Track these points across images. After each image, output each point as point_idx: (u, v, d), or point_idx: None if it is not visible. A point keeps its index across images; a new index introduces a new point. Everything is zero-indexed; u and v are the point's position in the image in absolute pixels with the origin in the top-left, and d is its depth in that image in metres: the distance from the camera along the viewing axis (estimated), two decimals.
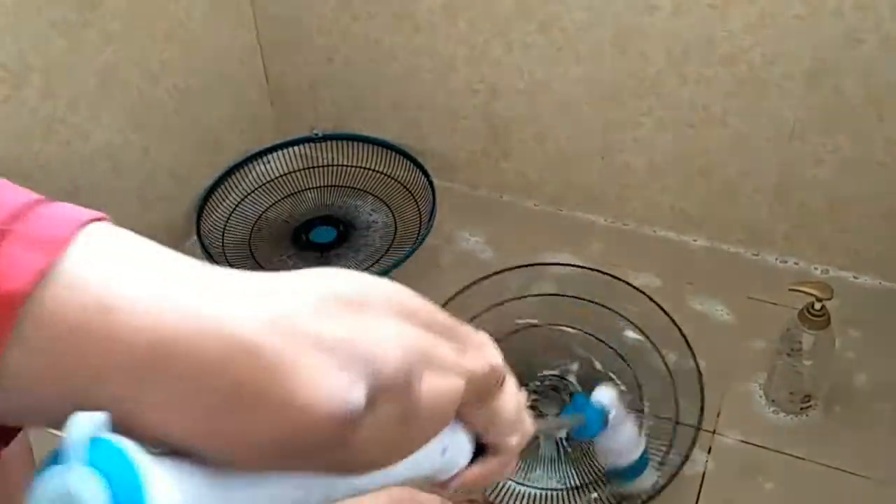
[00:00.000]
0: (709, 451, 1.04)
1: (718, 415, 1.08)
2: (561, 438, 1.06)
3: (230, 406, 0.29)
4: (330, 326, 0.31)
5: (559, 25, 1.17)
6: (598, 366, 1.12)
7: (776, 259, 1.26)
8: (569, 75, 1.22)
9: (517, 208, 1.38)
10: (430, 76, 1.31)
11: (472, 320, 1.16)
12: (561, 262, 1.19)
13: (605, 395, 0.71)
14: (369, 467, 0.35)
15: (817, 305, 0.98)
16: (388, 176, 1.42)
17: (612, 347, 1.14)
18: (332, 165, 1.45)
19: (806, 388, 1.04)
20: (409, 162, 1.39)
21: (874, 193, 1.14)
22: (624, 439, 0.73)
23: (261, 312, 0.30)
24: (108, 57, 1.14)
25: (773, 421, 1.07)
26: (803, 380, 1.03)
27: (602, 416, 0.70)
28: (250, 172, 1.43)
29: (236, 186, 1.41)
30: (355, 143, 1.44)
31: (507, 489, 1.02)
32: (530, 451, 1.05)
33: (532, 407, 1.09)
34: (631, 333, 1.14)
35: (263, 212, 1.39)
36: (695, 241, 1.30)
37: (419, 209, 1.35)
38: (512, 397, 0.43)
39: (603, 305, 1.16)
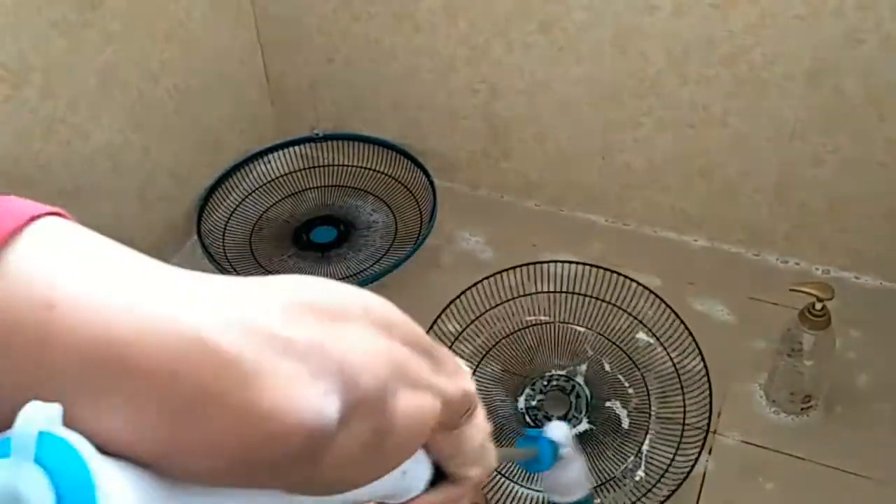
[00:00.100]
0: (709, 452, 1.04)
1: (719, 415, 1.08)
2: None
3: (188, 411, 0.27)
4: (301, 332, 0.29)
5: (559, 25, 1.17)
6: (608, 367, 1.12)
7: (777, 259, 1.26)
8: (569, 75, 1.22)
9: (517, 208, 1.38)
10: (431, 76, 1.31)
11: (480, 316, 1.16)
12: (564, 260, 1.19)
13: (558, 431, 0.72)
14: (337, 488, 0.33)
15: (818, 306, 0.97)
16: (389, 176, 1.42)
17: (622, 349, 1.13)
18: (333, 165, 1.45)
19: (806, 389, 1.04)
20: (409, 162, 1.39)
21: (875, 193, 1.14)
22: (572, 476, 0.74)
23: (223, 313, 0.28)
24: (108, 57, 1.13)
25: (773, 421, 1.07)
26: (804, 380, 1.03)
27: (554, 451, 0.71)
28: (251, 172, 1.43)
29: (237, 186, 1.41)
30: (356, 143, 1.44)
31: (510, 492, 1.02)
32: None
33: (537, 408, 1.09)
34: (643, 336, 1.13)
35: (264, 212, 1.39)
36: (695, 241, 1.30)
37: (420, 209, 1.35)
38: (480, 429, 0.41)
39: (617, 306, 1.15)
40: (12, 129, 1.04)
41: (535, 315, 1.17)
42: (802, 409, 1.06)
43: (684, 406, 1.04)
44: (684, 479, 0.97)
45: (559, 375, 1.12)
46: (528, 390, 1.11)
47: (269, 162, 1.44)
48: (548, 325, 1.17)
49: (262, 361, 0.27)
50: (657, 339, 1.13)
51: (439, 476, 0.43)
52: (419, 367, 0.34)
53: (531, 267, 1.18)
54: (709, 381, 1.04)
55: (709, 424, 1.01)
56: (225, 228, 1.36)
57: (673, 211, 1.29)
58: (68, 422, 0.25)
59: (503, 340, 1.15)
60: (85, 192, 1.15)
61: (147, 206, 1.27)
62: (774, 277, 1.23)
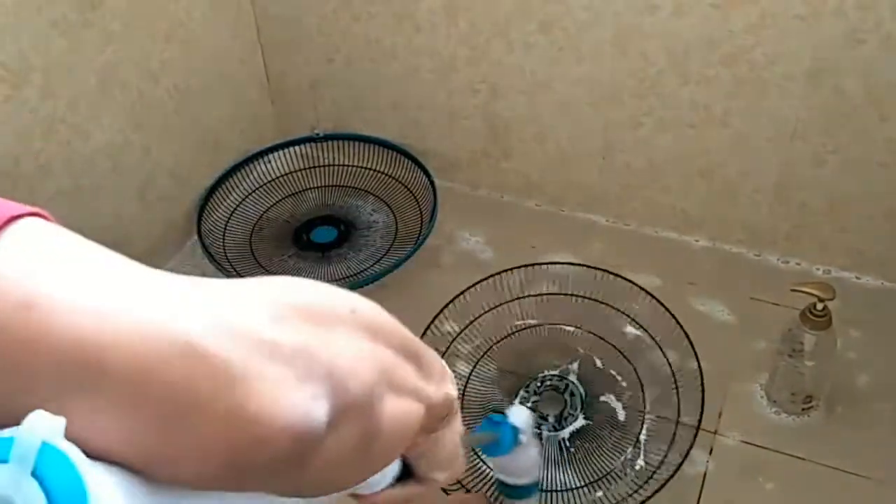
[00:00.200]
0: (710, 452, 1.04)
1: (720, 415, 1.08)
2: (564, 439, 1.06)
3: (174, 416, 0.26)
4: (288, 337, 0.28)
5: (560, 25, 1.17)
6: (599, 363, 1.13)
7: (778, 259, 1.26)
8: (570, 75, 1.21)
9: (518, 208, 1.38)
10: (431, 76, 1.31)
11: (471, 324, 1.16)
12: (562, 262, 1.19)
13: (519, 415, 0.73)
14: (323, 491, 0.33)
15: (819, 306, 0.97)
16: (389, 176, 1.42)
17: (612, 344, 1.14)
18: (333, 165, 1.45)
19: (807, 389, 1.04)
20: (410, 162, 1.39)
21: (876, 193, 1.14)
22: (527, 461, 0.75)
23: (208, 315, 0.27)
24: (108, 57, 1.13)
25: (774, 421, 1.07)
26: (805, 380, 1.03)
27: (515, 435, 0.72)
28: (251, 172, 1.43)
29: (237, 186, 1.41)
30: (356, 143, 1.44)
31: None
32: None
33: (532, 409, 1.09)
34: (631, 329, 1.14)
35: (264, 212, 1.39)
36: (696, 241, 1.30)
37: (420, 209, 1.35)
38: (455, 434, 0.40)
39: (602, 302, 1.16)
40: (12, 129, 1.04)
41: (523, 319, 1.18)
42: (803, 409, 1.06)
43: (678, 404, 1.04)
44: (681, 463, 0.97)
45: (552, 375, 1.12)
46: (522, 392, 1.11)
47: (270, 162, 1.44)
48: (537, 328, 1.17)
49: (249, 365, 0.27)
50: (644, 330, 1.13)
51: (406, 471, 0.43)
52: (405, 371, 0.34)
53: (525, 269, 1.18)
54: (701, 379, 1.04)
55: (700, 418, 1.01)
56: (225, 228, 1.36)
57: (673, 211, 1.29)
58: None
59: (495, 346, 1.15)
60: (85, 192, 1.15)
61: (147, 205, 1.27)
62: (775, 277, 1.22)
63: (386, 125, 1.41)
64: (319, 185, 1.43)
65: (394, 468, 0.42)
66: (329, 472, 0.31)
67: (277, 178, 1.44)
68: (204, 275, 0.44)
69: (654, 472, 1.00)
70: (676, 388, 1.07)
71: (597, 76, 1.20)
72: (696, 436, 1.00)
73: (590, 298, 1.17)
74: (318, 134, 1.46)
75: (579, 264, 1.19)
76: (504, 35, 1.22)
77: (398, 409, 0.33)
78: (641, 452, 1.04)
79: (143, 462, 0.27)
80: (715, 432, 1.06)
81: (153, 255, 1.27)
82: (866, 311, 1.17)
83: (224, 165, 1.39)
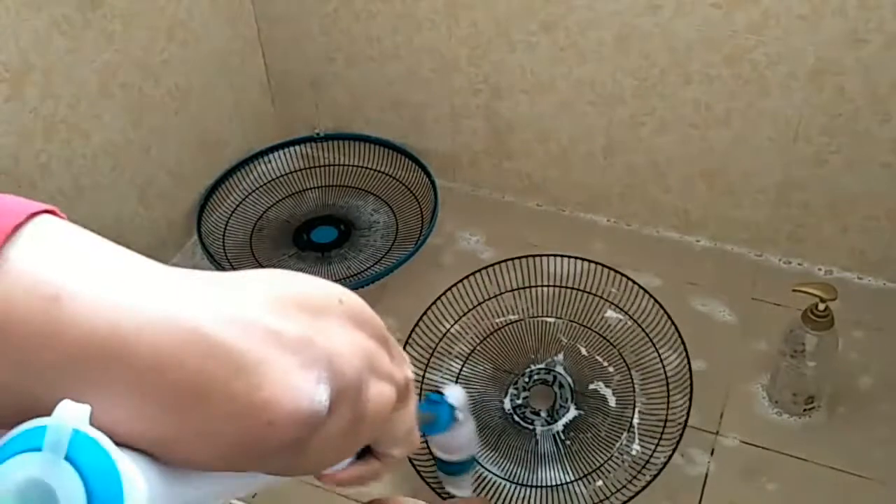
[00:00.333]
0: (711, 453, 1.04)
1: (721, 416, 1.07)
2: (558, 432, 1.06)
3: (189, 401, 0.28)
4: (291, 325, 0.30)
5: (562, 25, 1.17)
6: (584, 351, 1.13)
7: (779, 260, 1.25)
8: (571, 75, 1.21)
9: (519, 208, 1.38)
10: (433, 76, 1.31)
11: (451, 327, 1.17)
12: (562, 254, 1.19)
13: (455, 394, 0.75)
14: (311, 471, 0.35)
15: (821, 306, 0.97)
16: (390, 176, 1.42)
17: (594, 330, 1.14)
18: (334, 165, 1.45)
19: (809, 390, 1.04)
20: (410, 162, 1.38)
21: (878, 194, 1.14)
22: (464, 436, 0.78)
23: (218, 307, 0.29)
24: (109, 56, 1.13)
25: (775, 422, 1.07)
26: (806, 381, 1.03)
27: (452, 413, 0.74)
28: (251, 172, 1.43)
29: (237, 186, 1.41)
30: (357, 143, 1.44)
31: (511, 492, 1.02)
32: (530, 451, 1.05)
33: (524, 405, 1.09)
34: (612, 313, 1.14)
35: (264, 211, 1.39)
36: (697, 241, 1.29)
37: (421, 209, 1.34)
38: (411, 413, 0.42)
39: (579, 289, 1.16)
40: (13, 129, 1.03)
41: (504, 315, 1.18)
42: (805, 409, 1.06)
43: (668, 399, 1.04)
44: (660, 469, 0.97)
45: (539, 369, 1.12)
46: (511, 390, 1.11)
47: (270, 161, 1.44)
48: (518, 323, 1.17)
49: (258, 354, 0.29)
50: (625, 313, 1.14)
51: (364, 448, 0.44)
52: (382, 357, 0.36)
53: (513, 262, 1.18)
54: (690, 374, 1.04)
55: (687, 416, 1.01)
56: (225, 228, 1.36)
57: (675, 211, 1.29)
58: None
59: (479, 346, 1.16)
60: (85, 192, 1.15)
61: (147, 205, 1.27)
62: (777, 278, 1.22)
63: (387, 125, 1.41)
64: (320, 184, 1.43)
65: None
66: (321, 454, 0.33)
67: (278, 177, 1.43)
68: None
69: (651, 456, 1.01)
70: (667, 385, 1.07)
71: (598, 76, 1.20)
72: (682, 433, 1.00)
73: (564, 286, 1.17)
74: (318, 134, 1.46)
75: (580, 258, 1.19)
76: (505, 35, 1.21)
77: (379, 393, 0.35)
78: (636, 437, 1.05)
79: (155, 445, 0.28)
80: (717, 433, 1.06)
81: (153, 254, 1.26)
82: (868, 311, 1.16)
83: (224, 165, 1.39)
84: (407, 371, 0.40)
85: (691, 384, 1.04)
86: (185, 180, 1.33)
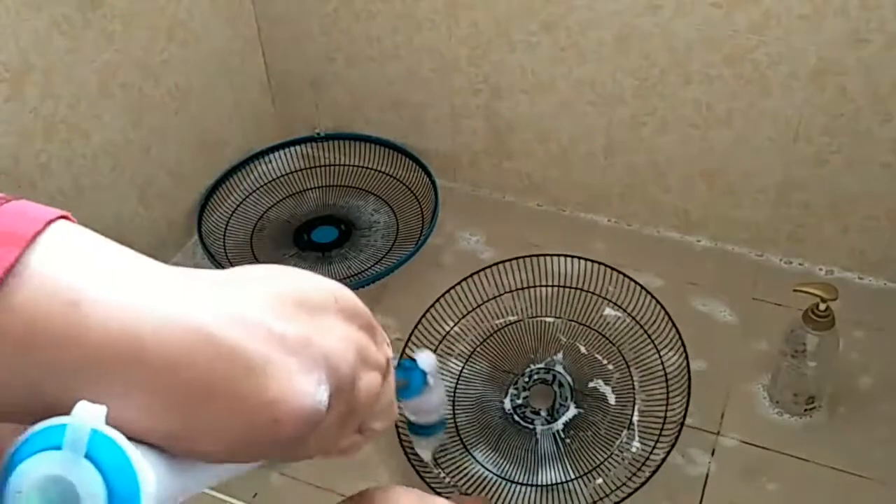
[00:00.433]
0: (712, 453, 1.04)
1: (722, 416, 1.07)
2: (558, 431, 1.06)
3: (198, 399, 0.30)
4: (293, 328, 0.32)
5: (562, 25, 1.17)
6: (583, 350, 1.13)
7: (780, 260, 1.25)
8: (572, 75, 1.21)
9: (519, 208, 1.38)
10: (433, 76, 1.31)
11: (451, 328, 1.17)
12: (559, 253, 1.19)
13: (426, 359, 0.77)
14: (310, 457, 0.37)
15: (822, 306, 0.97)
16: (390, 176, 1.41)
17: (593, 328, 1.14)
18: (334, 165, 1.45)
19: (810, 390, 1.04)
20: (411, 162, 1.38)
21: (878, 194, 1.14)
22: (435, 401, 0.80)
23: (225, 310, 0.31)
24: (109, 56, 1.13)
25: (776, 422, 1.07)
26: (807, 381, 1.03)
27: (424, 378, 0.76)
28: (252, 172, 1.43)
29: (238, 186, 1.41)
30: (357, 143, 1.44)
31: (511, 492, 1.02)
32: (530, 450, 1.05)
33: (524, 405, 1.09)
34: (610, 311, 1.14)
35: (265, 212, 1.39)
36: (698, 241, 1.29)
37: (421, 209, 1.34)
38: (390, 388, 0.45)
39: (578, 288, 1.16)
40: (13, 129, 1.03)
41: (504, 316, 1.18)
42: (806, 410, 1.06)
43: (667, 398, 1.04)
44: (675, 440, 0.97)
45: (539, 369, 1.12)
46: (511, 390, 1.11)
47: (270, 161, 1.44)
48: (518, 323, 1.17)
49: (265, 355, 0.31)
50: (624, 311, 1.14)
51: None
52: (372, 349, 0.39)
53: (515, 262, 1.18)
54: (689, 373, 1.04)
55: (684, 415, 1.01)
56: (226, 228, 1.36)
57: (676, 211, 1.29)
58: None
59: (478, 348, 1.16)
60: (85, 192, 1.15)
61: (148, 205, 1.27)
62: (778, 278, 1.22)
63: (387, 125, 1.41)
64: (320, 184, 1.43)
65: None
66: (318, 443, 0.36)
67: (278, 177, 1.43)
68: None
69: (650, 454, 1.01)
70: (667, 383, 1.07)
71: (599, 76, 1.20)
72: (679, 431, 1.00)
73: (563, 286, 1.17)
74: (318, 133, 1.46)
75: (582, 258, 1.18)
76: (506, 35, 1.21)
77: (369, 382, 0.38)
78: (636, 434, 1.05)
79: (165, 439, 0.30)
80: (717, 433, 1.06)
81: (153, 254, 1.25)
82: (869, 311, 1.16)
83: (225, 165, 1.39)
84: (387, 351, 0.42)
85: (689, 383, 1.04)
86: (185, 180, 1.33)
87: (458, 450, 1.06)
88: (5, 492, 0.27)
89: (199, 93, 1.30)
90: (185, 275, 0.32)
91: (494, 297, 1.18)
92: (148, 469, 0.28)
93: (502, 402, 1.10)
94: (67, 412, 0.28)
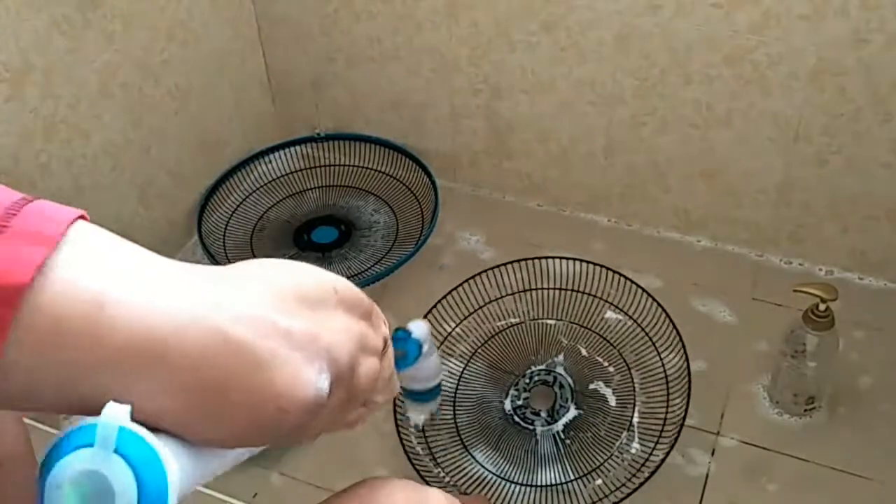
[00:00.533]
0: (712, 453, 1.04)
1: (722, 416, 1.07)
2: (558, 432, 1.06)
3: (213, 393, 0.32)
4: (297, 324, 0.35)
5: (562, 25, 1.17)
6: (584, 352, 1.13)
7: (780, 260, 1.25)
8: (572, 75, 1.21)
9: (519, 208, 1.38)
10: (433, 76, 1.31)
11: (452, 330, 1.17)
12: (560, 256, 1.19)
13: (420, 328, 0.78)
14: (314, 438, 0.41)
15: (822, 307, 0.97)
16: (390, 176, 1.41)
17: (594, 331, 1.15)
18: (334, 165, 1.45)
19: (810, 390, 1.04)
20: (411, 162, 1.38)
21: (879, 194, 1.14)
22: (430, 366, 0.82)
23: (238, 309, 0.33)
24: (109, 56, 1.13)
25: (776, 422, 1.07)
26: (807, 381, 1.03)
27: (418, 348, 0.78)
28: (252, 172, 1.43)
29: (238, 186, 1.41)
30: (357, 143, 1.44)
31: (511, 492, 1.02)
32: (530, 451, 1.05)
33: (524, 406, 1.09)
34: (611, 314, 1.15)
35: (265, 212, 1.39)
36: (698, 241, 1.29)
37: (421, 209, 1.34)
38: (389, 363, 0.48)
39: (579, 290, 1.16)
40: (13, 129, 1.03)
41: (505, 318, 1.18)
42: (806, 410, 1.06)
43: (667, 398, 1.04)
44: (675, 441, 0.97)
45: (540, 370, 1.12)
46: (512, 391, 1.11)
47: (270, 162, 1.44)
48: (519, 326, 1.17)
49: (272, 350, 0.33)
50: (625, 313, 1.14)
51: None
52: (370, 335, 0.41)
53: (515, 265, 1.18)
54: (689, 374, 1.04)
55: (684, 415, 1.01)
56: (226, 228, 1.36)
57: (676, 211, 1.29)
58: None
59: (480, 349, 1.16)
60: (85, 192, 1.15)
61: (148, 205, 1.27)
62: (778, 278, 1.22)
63: (387, 125, 1.41)
64: (320, 185, 1.43)
65: None
66: (320, 427, 0.39)
67: (278, 178, 1.43)
68: None
69: (650, 455, 1.01)
70: (667, 383, 1.07)
71: (599, 76, 1.20)
72: (678, 431, 1.00)
73: (564, 289, 1.17)
74: (318, 134, 1.46)
75: (580, 259, 1.18)
76: (506, 35, 1.21)
77: (368, 368, 0.40)
78: (636, 435, 1.05)
79: (182, 428, 0.33)
80: (717, 433, 1.06)
81: None
82: (869, 312, 1.16)
83: (225, 165, 1.39)
84: (385, 330, 0.45)
85: (689, 383, 1.04)
86: (185, 180, 1.33)
87: (458, 450, 1.06)
88: (45, 487, 0.29)
89: (200, 93, 1.30)
90: (196, 273, 0.34)
91: (496, 300, 1.18)
92: (172, 460, 0.31)
93: (503, 403, 1.10)
94: (96, 408, 0.30)
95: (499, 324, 1.17)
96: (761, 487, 1.01)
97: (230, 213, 1.38)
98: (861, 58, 1.03)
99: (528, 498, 1.01)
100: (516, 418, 1.08)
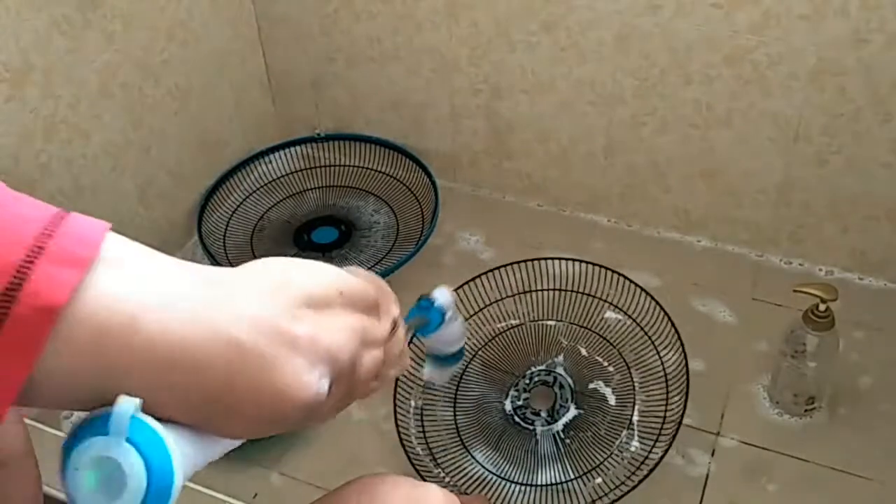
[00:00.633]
0: (712, 453, 1.04)
1: (722, 416, 1.07)
2: (558, 432, 1.06)
3: (224, 392, 0.36)
4: (300, 328, 0.38)
5: (562, 25, 1.17)
6: (584, 352, 1.13)
7: (780, 260, 1.25)
8: (572, 75, 1.21)
9: (519, 208, 1.38)
10: (433, 76, 1.31)
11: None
12: (559, 257, 1.19)
13: (443, 296, 0.79)
14: (317, 425, 0.44)
15: (822, 307, 0.97)
16: (391, 176, 1.41)
17: (594, 331, 1.15)
18: (334, 165, 1.45)
19: (810, 390, 1.04)
20: (411, 162, 1.38)
21: (879, 194, 1.14)
22: (455, 331, 0.82)
23: (250, 320, 0.37)
24: (109, 56, 1.13)
25: (776, 423, 1.07)
26: (807, 381, 1.03)
27: (441, 315, 0.79)
28: (252, 172, 1.43)
29: (238, 186, 1.41)
30: (357, 143, 1.44)
31: (511, 492, 1.02)
32: (530, 451, 1.05)
33: (524, 406, 1.09)
34: (611, 314, 1.15)
35: (265, 212, 1.39)
36: (698, 241, 1.29)
37: (421, 209, 1.34)
38: (400, 339, 0.51)
39: (579, 291, 1.16)
40: (13, 129, 1.03)
41: (505, 320, 1.18)
42: (806, 410, 1.06)
43: (667, 398, 1.04)
44: (654, 467, 0.97)
45: (540, 370, 1.12)
46: (512, 392, 1.11)
47: (271, 162, 1.44)
48: (519, 327, 1.17)
49: (278, 355, 0.37)
50: (625, 313, 1.14)
51: None
52: (374, 328, 0.44)
53: (523, 265, 1.18)
54: (687, 373, 1.04)
55: (682, 415, 1.01)
56: (226, 229, 1.36)
57: (676, 211, 1.29)
58: (145, 410, 0.34)
59: (479, 351, 1.16)
60: (85, 192, 1.15)
61: (148, 206, 1.27)
62: (778, 278, 1.22)
63: (387, 125, 1.41)
64: (320, 185, 1.43)
65: None
66: (323, 416, 0.42)
67: (278, 178, 1.43)
68: None
69: (649, 453, 1.01)
70: (667, 382, 1.07)
71: (599, 76, 1.20)
72: (676, 431, 1.00)
73: (564, 290, 1.17)
74: (319, 134, 1.46)
75: (579, 259, 1.18)
76: (506, 35, 1.21)
77: (370, 360, 0.44)
78: (635, 434, 1.05)
79: (194, 421, 0.37)
80: (717, 433, 1.06)
81: None
82: (869, 312, 1.16)
83: (225, 165, 1.39)
84: (395, 311, 0.49)
85: (688, 382, 1.04)
86: (185, 180, 1.33)
87: (458, 450, 1.06)
88: (66, 469, 0.34)
89: (200, 93, 1.30)
90: (216, 280, 0.37)
91: (495, 302, 1.18)
92: (178, 446, 0.35)
93: (503, 404, 1.10)
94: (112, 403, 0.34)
95: (499, 325, 1.17)
96: (761, 487, 1.01)
97: (230, 213, 1.38)
98: (861, 58, 1.04)
99: (528, 498, 1.01)
100: (516, 418, 1.08)
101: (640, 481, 0.96)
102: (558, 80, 1.23)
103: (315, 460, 1.07)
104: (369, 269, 1.26)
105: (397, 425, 1.06)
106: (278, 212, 1.39)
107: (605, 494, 0.98)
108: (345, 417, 1.10)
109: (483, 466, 1.04)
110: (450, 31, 1.25)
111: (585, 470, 1.02)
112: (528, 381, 1.12)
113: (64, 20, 1.05)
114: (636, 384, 1.09)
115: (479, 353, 1.15)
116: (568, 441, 1.05)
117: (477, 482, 1.03)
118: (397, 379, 1.09)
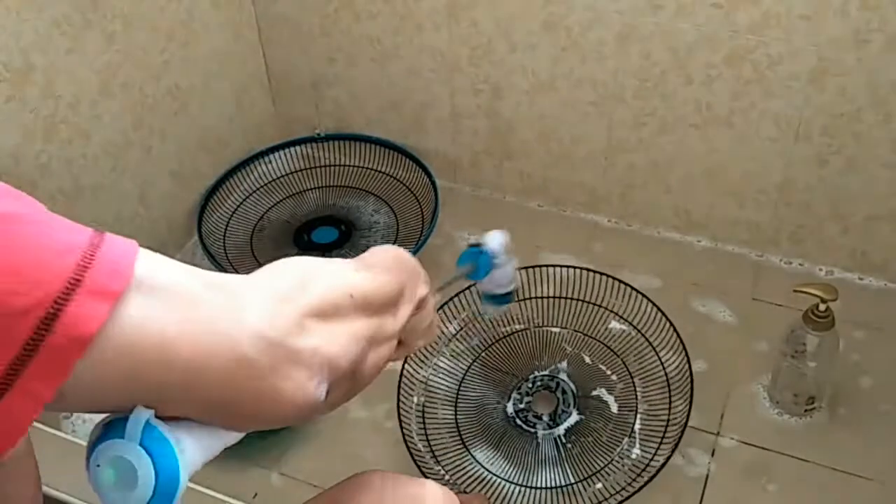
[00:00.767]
0: (712, 454, 1.04)
1: (722, 416, 1.07)
2: (559, 436, 1.06)
3: (231, 400, 0.41)
4: (304, 342, 0.42)
5: (563, 25, 1.17)
6: (588, 360, 1.13)
7: (780, 260, 1.25)
8: (572, 75, 1.21)
9: (520, 209, 1.38)
10: (433, 76, 1.31)
11: (455, 335, 1.16)
12: (559, 264, 1.18)
13: (495, 240, 0.82)
14: (330, 410, 0.48)
15: (822, 307, 0.97)
16: (391, 176, 1.41)
17: (598, 340, 1.14)
18: (334, 165, 1.45)
19: (810, 390, 1.04)
20: (411, 162, 1.38)
21: (879, 194, 1.14)
22: (506, 274, 0.86)
23: (258, 332, 0.41)
24: (109, 57, 1.13)
25: (776, 423, 1.07)
26: (807, 381, 1.03)
27: (490, 260, 0.82)
28: (252, 172, 1.43)
29: (238, 186, 1.41)
30: (357, 143, 1.44)
31: (511, 492, 1.02)
32: (530, 454, 1.05)
33: (526, 409, 1.09)
34: (616, 324, 1.14)
35: (265, 212, 1.39)
36: (698, 241, 1.29)
37: (421, 209, 1.34)
38: (429, 313, 0.55)
39: (585, 300, 1.16)
40: (14, 129, 1.03)
41: (510, 325, 1.18)
42: (806, 410, 1.06)
43: (669, 402, 1.04)
44: (659, 469, 0.97)
45: (543, 375, 1.12)
46: (514, 394, 1.11)
47: (271, 162, 1.44)
48: (524, 332, 1.17)
49: (280, 368, 0.41)
50: (629, 323, 1.14)
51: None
52: (385, 325, 0.48)
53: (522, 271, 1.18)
54: (691, 377, 1.04)
55: (687, 418, 1.01)
56: (226, 229, 1.36)
57: (676, 212, 1.29)
58: (161, 411, 0.39)
59: (483, 353, 1.16)
60: (85, 192, 1.15)
61: (148, 206, 1.27)
62: (778, 278, 1.22)
63: (387, 125, 1.41)
64: (320, 185, 1.43)
65: None
66: (326, 410, 0.46)
67: (278, 178, 1.43)
68: None
69: (652, 458, 1.00)
70: (668, 386, 1.07)
71: (599, 76, 1.20)
72: (681, 434, 1.00)
73: (567, 298, 1.17)
74: (319, 134, 1.46)
75: (576, 266, 1.18)
76: (506, 35, 1.21)
77: (377, 357, 0.47)
78: (637, 442, 1.04)
79: (197, 417, 0.41)
80: (717, 434, 1.06)
81: None
82: (869, 312, 1.16)
83: (225, 165, 1.39)
84: (421, 291, 0.52)
85: (692, 385, 1.04)
86: (185, 181, 1.33)
87: (458, 450, 1.06)
88: (91, 464, 0.39)
89: (200, 93, 1.30)
90: (229, 290, 0.41)
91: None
92: (186, 445, 0.40)
93: (505, 406, 1.10)
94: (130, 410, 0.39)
95: (503, 329, 1.17)
96: (761, 487, 1.01)
97: (230, 213, 1.38)
98: (861, 58, 1.03)
99: (528, 499, 1.01)
100: (518, 421, 1.08)
101: (641, 487, 0.96)
102: (559, 80, 1.23)
103: (315, 460, 1.06)
104: None
105: (400, 422, 1.06)
106: (278, 212, 1.39)
107: (606, 499, 0.98)
108: (345, 418, 1.10)
109: (483, 467, 1.04)
110: (450, 31, 1.25)
111: (586, 475, 1.02)
112: (530, 385, 1.12)
113: (64, 20, 1.05)
114: (639, 393, 1.09)
115: (483, 354, 1.15)
116: (569, 445, 1.05)
117: (477, 482, 1.03)
118: (400, 377, 1.09)
